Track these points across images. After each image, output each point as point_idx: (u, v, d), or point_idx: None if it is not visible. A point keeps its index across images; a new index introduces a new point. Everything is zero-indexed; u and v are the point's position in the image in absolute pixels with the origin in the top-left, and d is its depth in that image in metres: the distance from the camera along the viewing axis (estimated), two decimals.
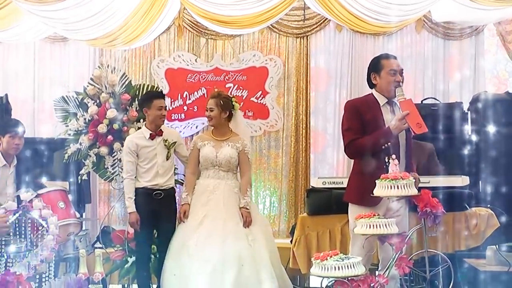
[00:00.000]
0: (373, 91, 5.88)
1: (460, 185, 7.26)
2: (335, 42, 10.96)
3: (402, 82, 5.78)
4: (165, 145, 7.15)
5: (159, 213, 7.06)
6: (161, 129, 7.21)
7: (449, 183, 7.23)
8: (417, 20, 10.35)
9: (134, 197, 7.08)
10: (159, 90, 8.19)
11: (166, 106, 7.27)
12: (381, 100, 5.78)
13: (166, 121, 7.50)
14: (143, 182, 7.10)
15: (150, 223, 7.15)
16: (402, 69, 5.83)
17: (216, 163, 6.94)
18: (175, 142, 7.23)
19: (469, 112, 9.23)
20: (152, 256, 7.48)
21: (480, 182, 8.50)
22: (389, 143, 5.52)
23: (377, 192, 5.22)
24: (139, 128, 8.04)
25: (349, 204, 5.89)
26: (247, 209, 6.91)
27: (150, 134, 7.15)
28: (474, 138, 8.84)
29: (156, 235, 7.39)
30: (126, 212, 10.17)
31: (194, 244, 6.70)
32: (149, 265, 7.33)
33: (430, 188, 5.57)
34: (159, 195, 7.08)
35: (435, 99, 9.55)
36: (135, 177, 7.13)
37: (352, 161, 6.08)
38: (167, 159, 7.16)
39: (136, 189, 7.10)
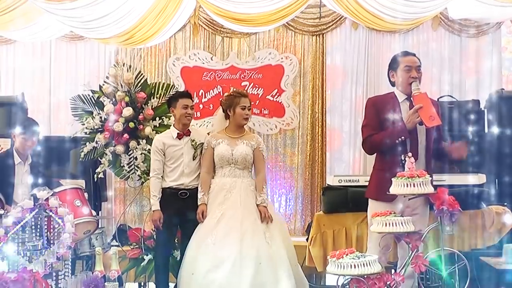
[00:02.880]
0: (394, 88, 5.94)
1: (477, 183, 7.24)
2: (351, 40, 10.95)
3: (420, 78, 5.80)
4: (192, 145, 7.16)
5: (183, 213, 7.06)
6: (189, 129, 7.24)
7: (465, 181, 7.23)
8: (433, 17, 10.32)
9: (159, 196, 7.10)
10: (185, 90, 8.23)
11: (192, 106, 7.26)
12: (401, 97, 5.84)
13: None
14: (169, 181, 7.13)
15: (174, 222, 7.18)
16: (419, 66, 5.85)
17: (232, 161, 6.94)
18: (203, 143, 7.22)
19: (485, 110, 9.20)
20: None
21: (496, 180, 8.46)
22: (402, 138, 5.57)
23: (393, 190, 5.25)
24: (155, 126, 8.09)
25: (369, 200, 5.94)
26: (265, 206, 6.92)
27: (178, 133, 7.18)
28: (490, 136, 8.81)
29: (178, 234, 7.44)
30: (142, 211, 10.28)
31: (212, 243, 6.70)
32: (168, 264, 7.35)
33: (447, 186, 5.55)
34: (184, 194, 7.09)
35: (452, 96, 9.52)
36: (161, 177, 7.18)
37: (368, 158, 6.13)
38: (193, 159, 7.16)
39: (162, 190, 7.13)
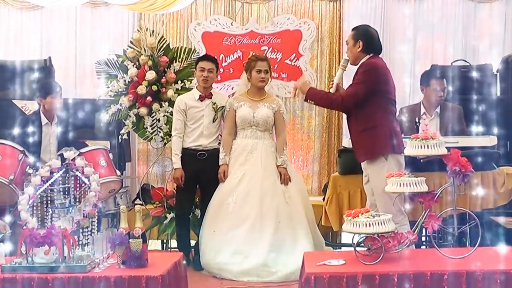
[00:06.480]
0: None
1: (488, 145, 7.34)
2: (368, 5, 10.96)
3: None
4: (213, 108, 7.34)
5: (202, 173, 7.28)
6: (211, 92, 7.41)
7: (477, 143, 7.26)
8: None
9: (181, 155, 7.30)
10: (206, 54, 8.44)
11: (210, 69, 7.41)
12: None
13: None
14: (188, 142, 7.33)
15: (193, 182, 7.38)
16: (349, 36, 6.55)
17: (254, 123, 7.12)
18: (223, 107, 7.41)
19: (498, 74, 9.28)
20: (191, 213, 7.74)
21: (508, 142, 8.59)
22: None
23: (407, 151, 5.38)
24: (176, 89, 8.22)
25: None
26: (285, 167, 7.14)
27: (200, 95, 7.36)
28: (502, 99, 8.91)
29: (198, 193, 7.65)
30: (164, 171, 10.46)
31: (233, 202, 6.92)
32: (188, 222, 7.55)
33: (459, 148, 5.65)
34: (202, 155, 7.31)
35: (465, 61, 9.57)
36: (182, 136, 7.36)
37: None
38: (213, 122, 7.36)
39: (182, 150, 7.34)
